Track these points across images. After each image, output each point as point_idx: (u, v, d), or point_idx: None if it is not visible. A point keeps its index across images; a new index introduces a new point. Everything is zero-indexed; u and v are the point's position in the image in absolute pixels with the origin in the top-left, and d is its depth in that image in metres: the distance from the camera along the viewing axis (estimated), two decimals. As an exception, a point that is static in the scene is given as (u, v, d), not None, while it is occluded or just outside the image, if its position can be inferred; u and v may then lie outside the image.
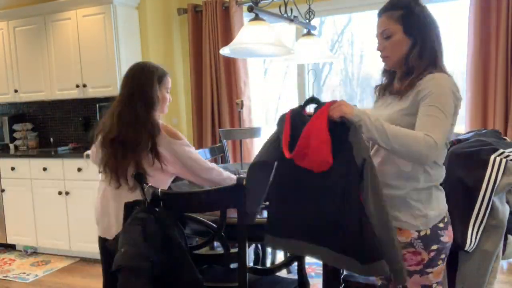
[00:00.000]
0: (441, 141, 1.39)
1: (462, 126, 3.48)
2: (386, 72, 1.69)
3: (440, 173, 1.57)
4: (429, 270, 1.53)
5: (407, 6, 1.54)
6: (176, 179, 2.20)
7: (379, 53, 1.63)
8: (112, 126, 2.00)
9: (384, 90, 1.69)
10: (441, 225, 1.54)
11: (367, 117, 1.42)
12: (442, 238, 1.53)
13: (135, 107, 1.97)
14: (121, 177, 1.97)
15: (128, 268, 1.62)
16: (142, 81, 2.01)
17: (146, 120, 1.96)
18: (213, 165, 2.07)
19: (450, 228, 1.57)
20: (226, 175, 2.08)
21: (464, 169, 1.65)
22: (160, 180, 2.00)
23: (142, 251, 1.64)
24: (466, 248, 1.63)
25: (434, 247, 1.52)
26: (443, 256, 1.56)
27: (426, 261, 1.52)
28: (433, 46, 1.54)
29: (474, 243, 1.63)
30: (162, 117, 4.32)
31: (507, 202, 1.69)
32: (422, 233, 1.52)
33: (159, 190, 1.74)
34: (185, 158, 2.00)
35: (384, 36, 1.58)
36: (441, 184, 1.59)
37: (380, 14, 1.60)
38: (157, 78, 2.05)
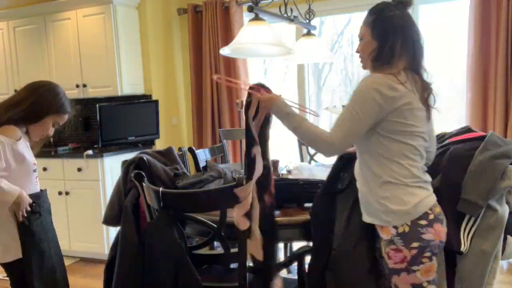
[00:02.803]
0: (339, 139, 1.57)
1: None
2: None
3: (402, 171, 1.57)
4: (415, 267, 1.55)
5: (379, 12, 1.66)
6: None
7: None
8: None
9: None
10: (423, 222, 1.54)
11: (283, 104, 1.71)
12: (424, 236, 1.54)
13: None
14: None
15: None
16: (45, 97, 2.02)
17: None
18: None
19: (438, 226, 1.56)
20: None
21: (464, 172, 1.65)
22: None
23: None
24: (462, 249, 1.62)
25: (415, 244, 1.54)
26: (428, 254, 1.55)
27: (408, 259, 1.55)
28: (393, 48, 1.61)
29: (466, 245, 1.62)
30: (162, 118, 4.31)
31: (507, 202, 1.69)
32: (400, 230, 1.55)
33: (160, 190, 1.75)
34: None
35: (359, 38, 1.71)
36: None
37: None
38: (60, 107, 2.06)
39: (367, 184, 1.63)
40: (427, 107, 1.62)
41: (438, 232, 1.56)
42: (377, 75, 1.59)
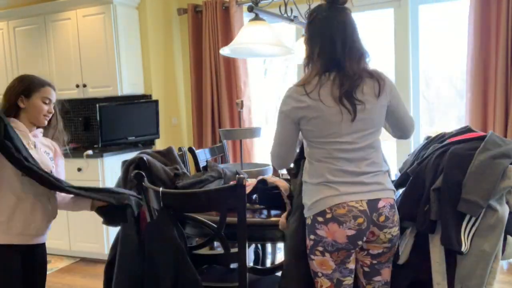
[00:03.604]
0: (274, 154, 1.78)
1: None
2: None
3: (314, 171, 1.67)
4: (312, 256, 1.68)
5: (309, 17, 1.70)
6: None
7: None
8: None
9: None
10: (320, 219, 1.62)
11: None
12: (318, 231, 1.63)
13: None
14: None
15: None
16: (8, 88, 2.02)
17: None
18: None
19: (333, 226, 1.60)
20: None
21: (464, 172, 1.65)
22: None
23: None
24: (462, 249, 1.62)
25: (312, 237, 1.66)
26: (320, 248, 1.63)
27: (308, 247, 1.68)
28: (313, 54, 1.66)
29: (467, 245, 1.62)
30: (162, 118, 4.31)
31: (507, 202, 1.69)
32: (307, 221, 1.68)
33: (160, 190, 1.75)
34: None
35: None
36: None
37: None
38: (27, 87, 2.03)
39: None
40: (352, 105, 1.60)
41: (332, 232, 1.61)
42: (288, 89, 1.68)
